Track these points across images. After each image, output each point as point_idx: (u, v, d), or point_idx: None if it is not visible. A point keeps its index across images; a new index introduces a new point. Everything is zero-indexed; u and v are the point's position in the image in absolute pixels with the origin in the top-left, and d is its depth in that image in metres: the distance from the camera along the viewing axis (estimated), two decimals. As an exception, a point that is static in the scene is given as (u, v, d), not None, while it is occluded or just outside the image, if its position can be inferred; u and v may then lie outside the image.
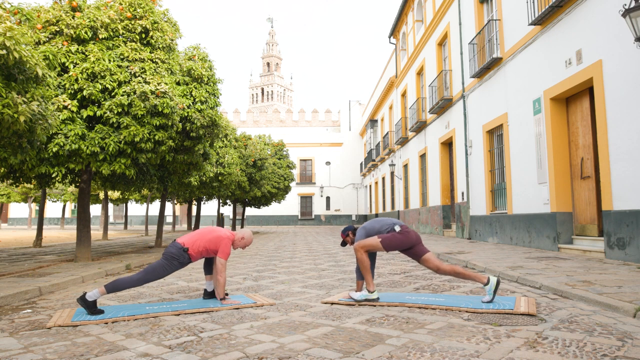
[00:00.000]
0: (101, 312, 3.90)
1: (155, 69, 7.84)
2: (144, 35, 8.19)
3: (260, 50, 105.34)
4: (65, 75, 7.29)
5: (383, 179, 29.49)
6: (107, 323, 3.68)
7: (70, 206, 44.91)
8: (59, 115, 6.82)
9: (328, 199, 42.04)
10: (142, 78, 7.50)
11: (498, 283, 4.09)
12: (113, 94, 7.40)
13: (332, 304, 4.34)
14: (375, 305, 4.19)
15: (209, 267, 4.64)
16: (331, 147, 42.50)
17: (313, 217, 41.92)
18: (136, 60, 7.73)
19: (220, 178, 15.06)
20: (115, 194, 25.73)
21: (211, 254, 4.42)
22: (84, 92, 7.17)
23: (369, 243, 4.33)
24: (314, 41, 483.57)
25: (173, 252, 4.27)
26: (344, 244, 4.82)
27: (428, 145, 17.89)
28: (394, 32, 24.01)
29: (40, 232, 12.88)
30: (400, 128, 22.39)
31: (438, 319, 3.65)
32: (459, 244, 11.16)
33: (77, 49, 7.50)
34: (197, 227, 16.71)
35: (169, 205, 37.36)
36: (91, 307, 3.87)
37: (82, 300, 3.87)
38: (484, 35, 11.91)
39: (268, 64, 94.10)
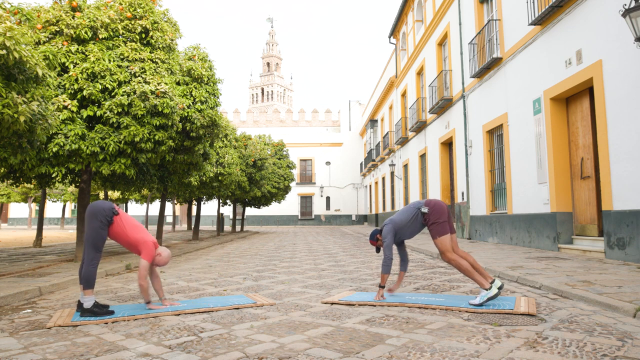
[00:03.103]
0: (112, 311, 3.90)
1: (155, 69, 7.84)
2: (144, 35, 8.20)
3: (260, 50, 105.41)
4: (65, 75, 7.29)
5: (383, 179, 29.49)
6: (107, 323, 3.68)
7: (70, 206, 44.90)
8: (59, 115, 6.83)
9: (328, 199, 42.04)
10: (142, 78, 7.50)
11: (496, 296, 3.96)
12: (113, 94, 7.41)
13: (332, 304, 4.34)
14: (375, 305, 4.20)
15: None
16: (331, 147, 42.49)
17: (313, 217, 41.91)
18: (136, 60, 7.73)
19: (220, 178, 15.05)
20: (115, 194, 25.72)
21: (128, 246, 4.13)
22: (84, 92, 7.17)
23: (443, 245, 4.21)
24: (314, 41, 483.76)
25: (104, 207, 4.02)
26: (378, 250, 4.63)
27: (428, 145, 17.88)
28: (394, 32, 24.01)
29: (40, 232, 12.88)
30: (400, 128, 22.39)
31: (438, 319, 3.65)
32: (459, 244, 11.15)
33: (77, 49, 7.50)
34: (197, 227, 16.69)
35: (169, 205, 37.35)
36: (95, 311, 3.85)
37: (83, 309, 3.85)
38: (484, 35, 11.91)
39: (268, 64, 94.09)
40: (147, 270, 4.09)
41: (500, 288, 4.03)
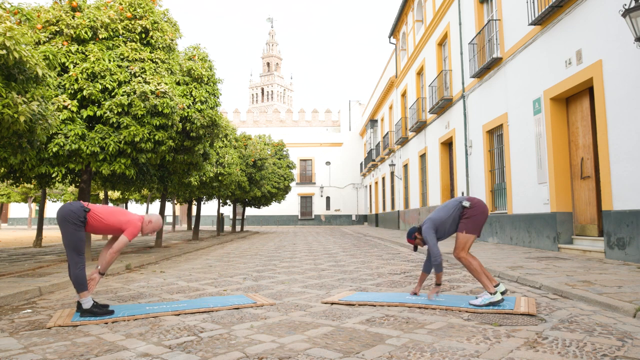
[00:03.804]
0: (112, 311, 3.90)
1: (155, 69, 7.84)
2: (144, 35, 8.20)
3: (260, 50, 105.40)
4: (65, 75, 7.29)
5: (383, 179, 29.49)
6: (107, 323, 3.68)
7: (70, 206, 44.81)
8: (59, 115, 6.83)
9: (328, 199, 42.04)
10: (142, 78, 7.50)
11: (499, 302, 3.93)
12: (113, 94, 7.41)
13: (332, 304, 4.34)
14: (375, 305, 4.20)
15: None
16: (331, 147, 42.49)
17: (313, 217, 41.92)
18: (136, 60, 7.73)
19: (220, 178, 15.04)
20: (115, 194, 25.70)
21: (112, 232, 4.13)
22: (84, 92, 7.17)
23: (464, 242, 4.14)
24: (314, 41, 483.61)
25: (73, 209, 3.93)
26: (415, 248, 4.55)
27: (428, 145, 17.89)
28: (394, 32, 24.01)
29: (40, 232, 12.88)
30: (400, 128, 22.39)
31: (438, 319, 3.65)
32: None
33: (77, 49, 7.50)
34: (197, 227, 16.67)
35: (169, 205, 37.35)
36: (95, 311, 3.84)
37: (83, 310, 3.85)
38: (484, 35, 11.91)
39: (268, 64, 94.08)
40: (125, 246, 4.08)
41: (503, 293, 4.02)
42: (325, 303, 4.37)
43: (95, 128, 7.39)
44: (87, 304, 3.85)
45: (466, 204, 4.18)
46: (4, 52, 4.73)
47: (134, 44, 7.86)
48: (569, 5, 8.02)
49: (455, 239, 4.25)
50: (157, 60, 8.01)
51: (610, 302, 3.83)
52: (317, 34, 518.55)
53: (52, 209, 43.89)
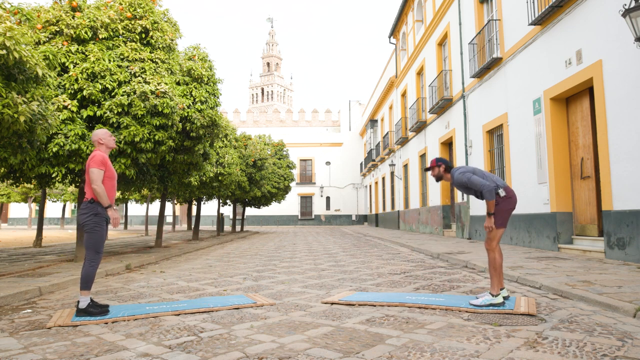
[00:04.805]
0: (107, 311, 3.91)
1: (155, 69, 7.84)
2: (144, 35, 8.20)
3: (260, 50, 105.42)
4: (65, 75, 7.30)
5: (383, 179, 29.50)
6: (107, 323, 3.69)
7: (70, 206, 44.89)
8: (59, 115, 6.83)
9: (328, 199, 42.04)
10: (142, 78, 7.51)
11: (499, 305, 3.91)
12: (113, 94, 7.41)
13: (332, 304, 4.34)
14: (375, 305, 4.20)
15: None
16: (331, 147, 42.49)
17: (313, 217, 41.91)
18: (136, 60, 7.74)
19: (220, 178, 15.04)
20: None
21: (107, 180, 4.23)
22: (84, 92, 7.18)
23: (495, 234, 4.08)
24: (314, 41, 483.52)
25: (83, 211, 4.08)
26: (427, 169, 4.52)
27: (428, 145, 17.89)
28: (394, 32, 24.01)
29: (40, 232, 12.87)
30: (400, 128, 22.39)
31: (438, 319, 3.65)
32: (459, 244, 11.16)
33: (77, 49, 7.51)
34: (197, 227, 16.64)
35: (169, 205, 37.32)
36: (91, 311, 3.85)
37: (78, 309, 3.87)
38: (484, 35, 11.91)
39: (268, 64, 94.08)
40: (98, 176, 4.05)
41: (505, 298, 4.02)
42: (325, 303, 4.37)
43: (96, 128, 7.39)
44: (83, 303, 3.88)
45: (502, 192, 4.10)
46: (4, 52, 4.73)
47: (134, 44, 7.87)
48: (569, 5, 8.02)
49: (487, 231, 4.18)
50: (157, 60, 8.02)
51: (610, 302, 3.83)
52: (317, 34, 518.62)
53: (52, 209, 43.93)
